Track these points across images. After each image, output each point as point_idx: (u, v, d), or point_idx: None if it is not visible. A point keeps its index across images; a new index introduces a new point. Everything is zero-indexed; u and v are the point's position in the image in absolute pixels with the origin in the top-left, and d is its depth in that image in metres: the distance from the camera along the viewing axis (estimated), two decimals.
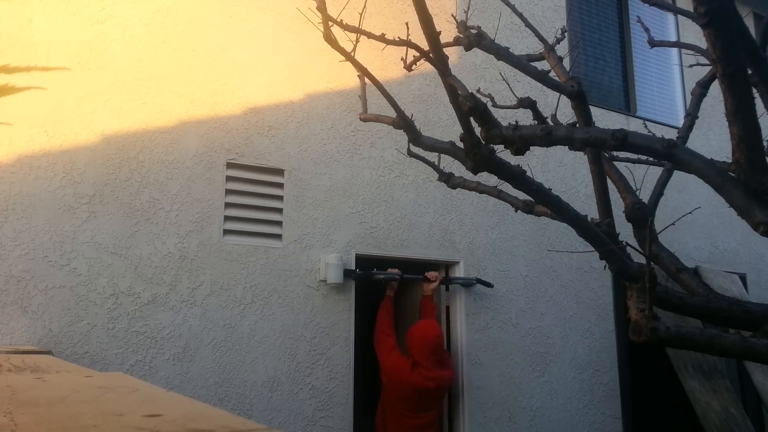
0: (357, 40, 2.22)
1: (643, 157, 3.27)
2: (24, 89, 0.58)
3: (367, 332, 3.94)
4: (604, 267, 2.42)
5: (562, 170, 4.86)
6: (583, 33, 5.49)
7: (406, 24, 2.25)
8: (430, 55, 1.75)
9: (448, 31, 3.62)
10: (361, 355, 4.07)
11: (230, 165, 3.58)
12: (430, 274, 3.95)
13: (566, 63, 3.73)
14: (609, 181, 2.60)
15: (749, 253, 5.87)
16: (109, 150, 3.28)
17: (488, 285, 4.21)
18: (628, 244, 2.18)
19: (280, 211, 3.69)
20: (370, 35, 2.19)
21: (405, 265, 4.02)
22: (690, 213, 3.52)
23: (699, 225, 5.50)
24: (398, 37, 2.14)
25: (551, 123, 2.89)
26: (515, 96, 3.20)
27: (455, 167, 3.53)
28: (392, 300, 3.85)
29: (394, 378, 3.63)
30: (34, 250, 3.04)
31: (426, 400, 3.67)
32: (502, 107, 3.33)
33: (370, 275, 3.81)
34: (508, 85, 3.50)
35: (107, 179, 3.25)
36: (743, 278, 5.66)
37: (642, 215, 2.58)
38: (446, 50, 1.88)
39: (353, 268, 3.82)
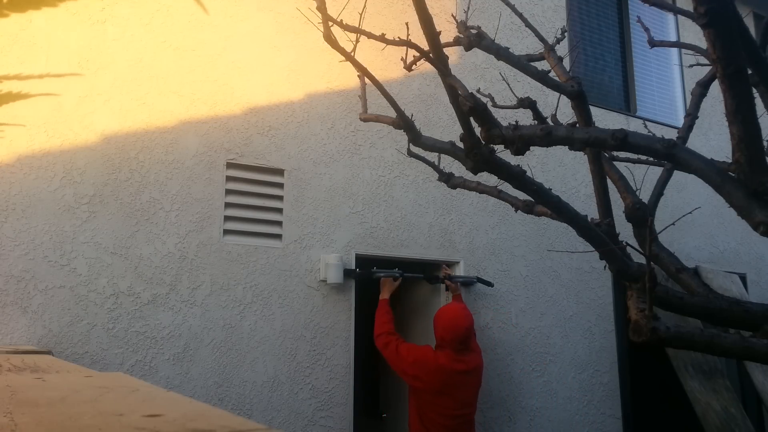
0: (357, 40, 2.22)
1: (643, 157, 3.27)
2: (36, 95, 0.59)
3: (368, 332, 3.92)
4: (604, 267, 2.42)
5: (562, 170, 4.86)
6: (583, 33, 5.49)
7: (406, 24, 2.25)
8: (430, 55, 1.75)
9: (448, 31, 3.62)
10: (361, 355, 4.07)
11: (230, 165, 3.58)
12: (446, 273, 3.99)
13: (566, 63, 3.73)
14: (609, 181, 2.60)
15: (749, 253, 5.87)
16: (109, 150, 3.28)
17: (488, 284, 4.21)
18: (628, 244, 2.18)
19: (280, 211, 3.69)
20: (370, 35, 2.19)
21: (405, 265, 4.02)
22: (690, 213, 3.52)
23: (699, 225, 5.50)
24: (398, 37, 2.14)
25: (551, 123, 2.89)
26: (515, 96, 3.20)
27: (455, 167, 3.53)
28: (388, 302, 3.70)
29: (420, 368, 3.39)
30: (34, 250, 3.04)
31: (463, 390, 3.44)
32: (502, 107, 3.33)
33: (370, 274, 3.81)
34: (508, 85, 3.50)
35: (107, 179, 3.25)
36: (743, 278, 5.66)
37: (642, 215, 2.58)
38: (446, 50, 1.88)
39: (353, 267, 3.81)
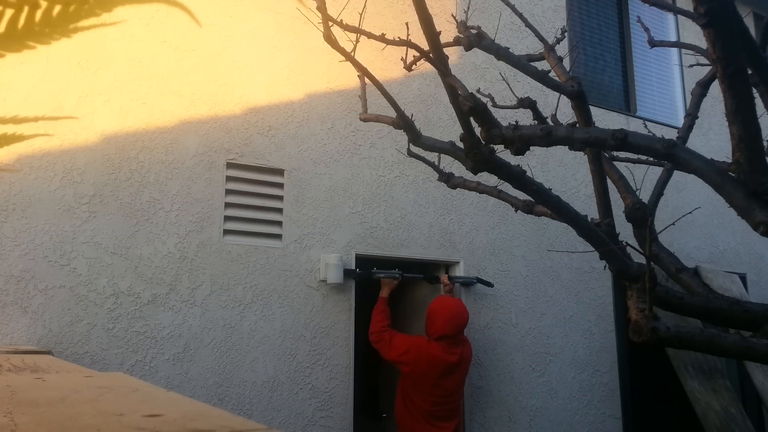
0: (357, 40, 2.22)
1: (643, 157, 3.27)
2: (30, 137, 0.59)
3: (366, 331, 3.91)
4: (604, 267, 2.42)
5: (562, 170, 4.86)
6: (583, 33, 5.49)
7: (406, 24, 2.25)
8: (430, 55, 1.75)
9: (448, 31, 3.62)
10: (361, 355, 4.06)
11: (230, 165, 3.58)
12: (444, 278, 4.03)
13: (566, 63, 3.73)
14: (609, 181, 2.60)
15: (749, 253, 5.87)
16: (109, 150, 3.28)
17: (488, 284, 4.21)
18: (628, 244, 2.18)
19: (280, 211, 3.69)
20: (370, 35, 2.19)
21: (405, 265, 4.02)
22: (690, 213, 3.52)
23: (699, 225, 5.50)
24: (398, 37, 2.14)
25: (551, 123, 2.89)
26: (515, 96, 3.20)
27: (455, 167, 3.53)
28: (387, 301, 3.76)
29: (413, 356, 3.50)
30: (34, 250, 3.04)
31: (450, 380, 3.56)
32: (502, 107, 3.33)
33: (370, 275, 3.81)
34: (508, 85, 3.50)
35: (107, 179, 3.25)
36: (743, 278, 5.66)
37: (642, 215, 2.58)
38: (446, 50, 1.88)
39: (353, 267, 3.81)
